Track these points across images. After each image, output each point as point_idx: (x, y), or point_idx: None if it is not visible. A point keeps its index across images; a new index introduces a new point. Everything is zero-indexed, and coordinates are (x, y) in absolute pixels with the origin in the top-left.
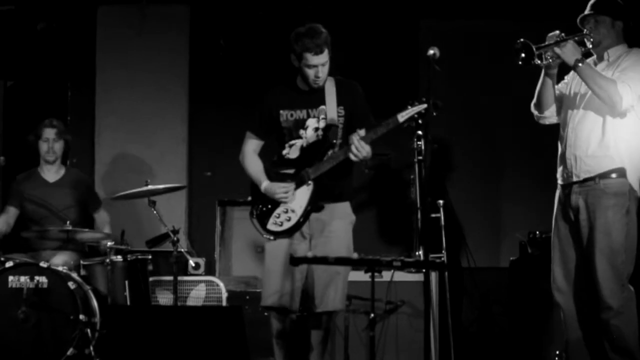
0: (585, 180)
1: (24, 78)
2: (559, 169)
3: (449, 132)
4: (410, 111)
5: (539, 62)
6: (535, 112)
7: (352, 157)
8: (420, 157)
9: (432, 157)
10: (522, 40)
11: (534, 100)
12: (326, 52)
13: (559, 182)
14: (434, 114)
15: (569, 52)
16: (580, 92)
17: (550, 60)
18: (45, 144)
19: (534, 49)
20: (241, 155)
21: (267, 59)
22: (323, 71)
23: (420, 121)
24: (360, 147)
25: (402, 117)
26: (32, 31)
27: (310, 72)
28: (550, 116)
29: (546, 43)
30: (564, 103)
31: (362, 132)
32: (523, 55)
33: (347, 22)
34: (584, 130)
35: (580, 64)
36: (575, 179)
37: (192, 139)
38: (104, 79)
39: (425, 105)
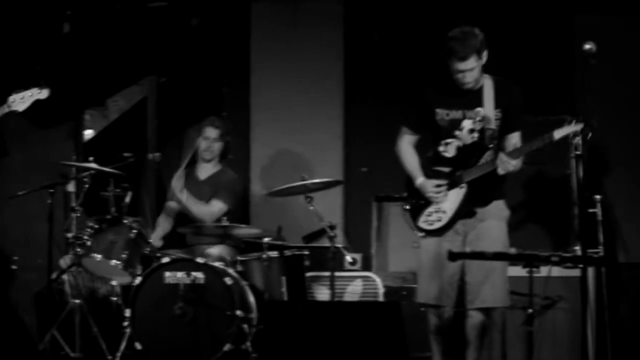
0: None
1: (177, 74)
2: None
3: (606, 126)
4: (567, 129)
5: None
6: None
7: (500, 171)
8: (578, 152)
9: (589, 152)
10: None
11: None
12: (473, 59)
13: None
14: (589, 134)
15: None
16: None
17: None
18: (205, 142)
19: None
20: (397, 148)
21: (421, 53)
22: (471, 76)
23: (576, 139)
24: (507, 163)
25: (558, 134)
26: (185, 27)
27: (458, 76)
28: None
29: None
30: None
31: (517, 142)
32: None
33: (501, 18)
34: None
35: None
36: None
37: (348, 134)
38: (259, 75)
39: (581, 126)
